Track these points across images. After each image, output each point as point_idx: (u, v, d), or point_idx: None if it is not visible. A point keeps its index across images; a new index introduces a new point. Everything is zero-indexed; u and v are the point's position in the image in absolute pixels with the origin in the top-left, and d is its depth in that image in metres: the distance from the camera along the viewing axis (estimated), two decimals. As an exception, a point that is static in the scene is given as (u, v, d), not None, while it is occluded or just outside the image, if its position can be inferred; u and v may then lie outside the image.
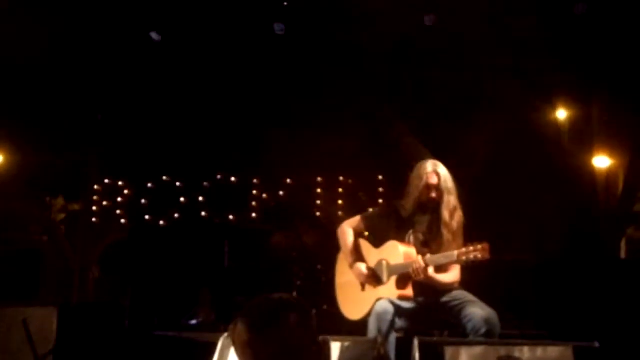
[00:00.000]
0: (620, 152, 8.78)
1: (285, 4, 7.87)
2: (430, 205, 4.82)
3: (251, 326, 2.08)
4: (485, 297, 4.77)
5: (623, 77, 8.26)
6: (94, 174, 9.48)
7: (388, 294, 4.71)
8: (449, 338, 4.62)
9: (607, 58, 8.06)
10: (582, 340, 4.20)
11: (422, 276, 4.60)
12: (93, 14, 7.94)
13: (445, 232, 4.77)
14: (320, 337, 2.19)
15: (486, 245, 4.39)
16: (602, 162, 8.86)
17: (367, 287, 4.93)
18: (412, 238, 4.85)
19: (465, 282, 4.91)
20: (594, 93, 8.73)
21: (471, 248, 4.45)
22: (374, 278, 4.89)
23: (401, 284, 4.73)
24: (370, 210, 5.29)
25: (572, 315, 6.50)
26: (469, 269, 4.83)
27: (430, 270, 4.65)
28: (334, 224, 5.42)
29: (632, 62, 8.05)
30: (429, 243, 4.80)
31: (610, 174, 8.81)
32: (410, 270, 4.61)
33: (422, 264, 4.57)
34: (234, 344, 2.14)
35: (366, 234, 5.18)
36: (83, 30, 8.22)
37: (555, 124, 9.04)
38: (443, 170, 4.91)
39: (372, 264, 4.95)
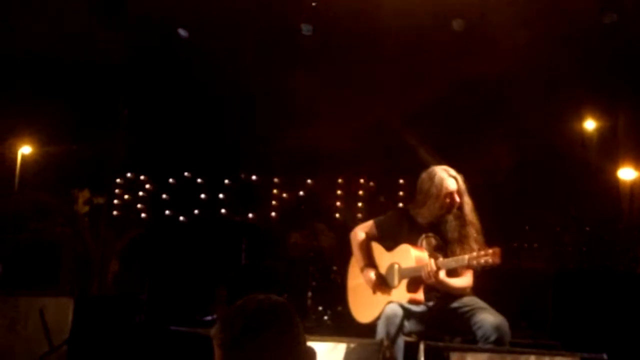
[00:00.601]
0: (647, 165, 8.70)
1: (314, 4, 7.87)
2: (453, 213, 4.80)
3: (230, 332, 1.99)
4: (500, 304, 4.74)
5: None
6: (117, 168, 9.56)
7: (399, 298, 4.69)
8: (455, 344, 4.58)
9: (634, 69, 7.97)
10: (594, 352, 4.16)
11: (433, 279, 4.58)
12: (124, 7, 8.01)
13: (471, 231, 4.75)
14: (308, 345, 2.09)
15: (497, 250, 4.35)
16: (627, 174, 8.77)
17: (378, 290, 4.91)
18: (424, 242, 4.83)
19: (482, 289, 4.88)
20: (620, 105, 8.64)
21: (482, 253, 4.41)
22: (384, 282, 4.87)
23: (412, 287, 4.70)
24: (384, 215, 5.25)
25: (587, 327, 6.43)
26: (485, 275, 4.81)
27: (442, 274, 4.62)
28: (353, 226, 5.40)
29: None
30: (446, 248, 4.77)
31: (635, 187, 8.72)
32: (422, 273, 4.58)
33: (434, 267, 4.55)
34: (213, 345, 2.04)
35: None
36: (111, 24, 8.28)
37: (582, 135, 8.97)
38: (455, 172, 4.90)
39: (384, 267, 4.93)
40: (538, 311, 6.57)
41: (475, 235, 4.71)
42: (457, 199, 4.80)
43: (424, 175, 4.94)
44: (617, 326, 6.30)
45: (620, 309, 6.52)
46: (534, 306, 6.65)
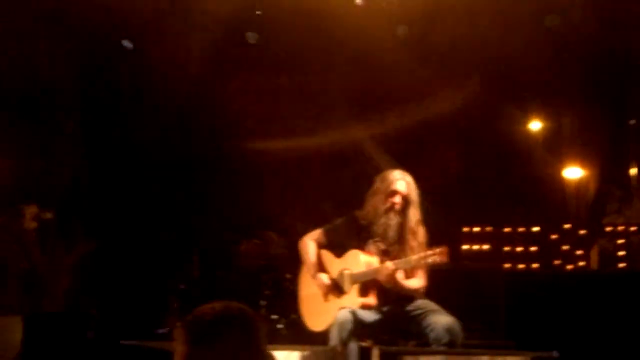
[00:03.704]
0: (592, 164, 8.83)
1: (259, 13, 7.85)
2: (394, 212, 4.81)
3: (189, 338, 2.00)
4: (453, 306, 4.77)
5: (595, 89, 8.31)
6: (64, 181, 9.40)
7: (350, 303, 4.69)
8: (408, 347, 4.60)
9: (579, 69, 8.10)
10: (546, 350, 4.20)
11: (392, 282, 4.59)
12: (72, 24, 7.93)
13: (410, 238, 4.78)
14: (268, 352, 2.11)
15: (444, 249, 4.40)
16: (573, 173, 8.91)
17: (330, 297, 4.91)
18: (372, 247, 4.84)
19: (434, 291, 4.91)
20: (566, 104, 8.77)
21: (430, 252, 4.46)
22: (335, 288, 4.88)
23: (363, 292, 4.72)
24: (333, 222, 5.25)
25: (540, 327, 6.50)
26: (437, 277, 4.85)
27: (400, 276, 4.64)
28: (302, 233, 5.40)
29: (604, 74, 8.10)
30: (390, 251, 4.79)
31: (580, 185, 8.86)
32: (381, 276, 4.59)
33: (392, 267, 4.55)
34: (174, 352, 2.04)
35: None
36: (54, 36, 8.19)
37: (528, 135, 9.08)
38: (411, 180, 4.92)
39: (334, 274, 4.94)
40: (492, 312, 6.63)
41: (413, 244, 4.72)
42: (400, 201, 4.81)
43: (379, 175, 4.97)
44: (570, 325, 6.40)
45: (572, 306, 6.62)
46: (488, 307, 6.71)
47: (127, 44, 8.20)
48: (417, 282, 4.78)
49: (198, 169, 9.07)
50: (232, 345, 2.00)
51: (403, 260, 4.62)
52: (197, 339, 1.99)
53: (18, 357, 6.29)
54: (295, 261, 5.49)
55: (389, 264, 4.57)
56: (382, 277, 4.59)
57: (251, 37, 7.98)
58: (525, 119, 9.05)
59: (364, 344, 4.60)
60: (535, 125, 9.11)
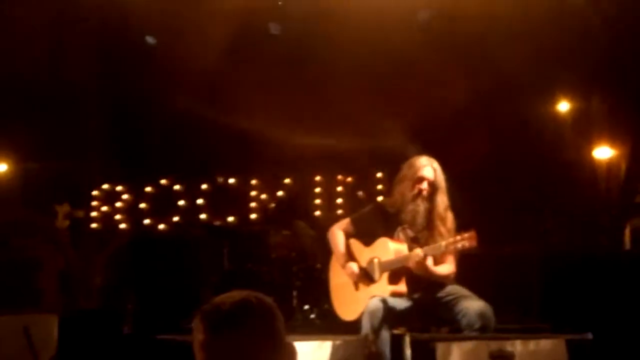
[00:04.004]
0: (622, 143, 8.72)
1: (280, 3, 7.85)
2: (422, 198, 4.80)
3: (208, 327, 1.99)
4: (487, 290, 4.75)
5: (623, 69, 8.20)
6: (94, 179, 9.51)
7: (381, 292, 4.69)
8: (440, 334, 4.59)
9: (608, 49, 8.00)
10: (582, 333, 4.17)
11: (422, 269, 4.57)
12: (89, 18, 7.98)
13: (439, 224, 4.76)
14: (287, 342, 2.09)
15: (473, 234, 4.37)
16: (603, 153, 8.81)
17: (361, 286, 4.91)
18: (401, 235, 4.83)
19: (468, 275, 4.89)
20: (594, 84, 8.66)
21: (458, 237, 4.44)
22: (365, 276, 4.87)
23: (394, 280, 4.71)
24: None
25: (575, 308, 6.45)
26: (470, 262, 4.83)
27: (430, 262, 4.61)
28: (333, 223, 5.40)
29: (632, 53, 7.99)
30: (419, 238, 4.77)
31: (611, 165, 8.75)
32: (411, 263, 4.57)
33: (422, 254, 4.54)
34: (193, 341, 2.04)
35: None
36: (78, 35, 8.25)
37: (556, 116, 8.99)
38: (438, 166, 4.90)
39: (364, 262, 4.93)
40: (526, 295, 6.59)
41: (442, 230, 4.70)
42: (427, 187, 4.80)
43: (405, 163, 4.96)
44: (604, 305, 6.34)
45: (606, 287, 6.56)
46: (521, 290, 6.67)
47: (150, 40, 8.24)
48: (447, 268, 4.75)
49: (222, 162, 9.12)
50: (251, 334, 1.99)
51: (432, 246, 4.60)
52: (215, 328, 1.98)
53: (55, 355, 6.36)
54: (325, 251, 5.49)
55: (419, 251, 4.55)
56: (412, 265, 4.58)
57: (273, 28, 7.98)
58: (554, 100, 8.95)
59: (396, 331, 4.60)
60: (563, 106, 9.00)
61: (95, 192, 9.44)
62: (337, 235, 5.12)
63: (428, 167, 4.85)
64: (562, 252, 7.93)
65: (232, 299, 2.04)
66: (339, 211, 8.56)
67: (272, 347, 2.03)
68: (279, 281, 7.06)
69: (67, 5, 7.72)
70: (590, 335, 4.03)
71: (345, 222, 5.17)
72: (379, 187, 8.61)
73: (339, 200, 8.83)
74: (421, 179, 4.82)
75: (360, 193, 7.35)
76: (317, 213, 8.82)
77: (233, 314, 2.00)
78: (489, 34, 7.76)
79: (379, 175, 8.72)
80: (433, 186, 4.83)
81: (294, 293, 6.86)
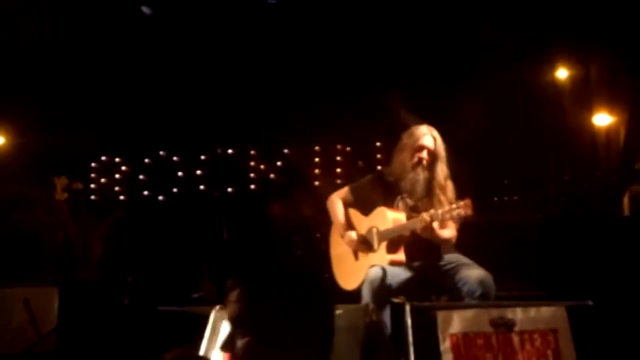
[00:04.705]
0: (621, 109, 8.70)
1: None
2: (421, 166, 4.78)
3: None
4: (485, 258, 4.75)
5: (621, 34, 8.15)
6: (92, 151, 9.49)
7: (380, 261, 4.69)
8: (441, 302, 4.60)
9: (605, 15, 7.95)
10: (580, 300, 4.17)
11: (429, 232, 4.56)
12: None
13: (439, 193, 4.75)
14: None
15: (468, 202, 4.35)
16: (602, 119, 8.79)
17: (360, 255, 4.91)
18: (400, 204, 4.82)
19: (465, 243, 4.89)
20: (592, 51, 8.62)
21: (454, 205, 4.42)
22: (365, 244, 4.87)
23: (392, 249, 4.71)
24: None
25: (574, 275, 6.46)
26: (468, 230, 4.82)
27: (435, 225, 4.60)
28: (332, 192, 5.39)
29: (630, 19, 7.94)
30: (418, 207, 4.76)
31: (610, 132, 8.74)
32: (418, 227, 4.56)
33: (429, 219, 4.52)
34: None
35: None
36: (73, 7, 8.18)
37: (555, 83, 8.95)
38: (437, 135, 4.89)
39: (363, 231, 4.92)
40: (524, 263, 6.60)
41: (442, 199, 4.69)
42: (426, 156, 4.78)
43: (405, 132, 4.94)
44: (603, 272, 6.34)
45: (605, 254, 6.56)
46: (519, 258, 6.67)
47: (146, 10, 8.17)
48: (449, 232, 4.75)
49: (221, 132, 9.10)
50: None
51: (430, 212, 4.59)
52: None
53: (56, 327, 6.39)
54: (325, 221, 5.49)
55: (425, 215, 4.53)
56: (419, 228, 4.56)
57: None
58: (552, 66, 8.91)
59: (395, 300, 4.61)
60: (562, 73, 8.96)
61: (93, 164, 9.43)
62: (336, 204, 5.11)
63: (428, 136, 4.84)
64: (560, 220, 7.94)
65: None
66: (338, 181, 8.56)
67: None
68: (279, 251, 7.07)
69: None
70: (590, 302, 4.03)
71: (344, 191, 5.16)
72: (378, 156, 8.60)
73: (338, 170, 8.82)
74: (421, 148, 4.81)
75: (359, 162, 7.37)
76: (316, 183, 8.82)
77: None
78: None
79: (378, 144, 8.70)
80: (433, 155, 4.81)
81: (295, 263, 6.88)
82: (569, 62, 8.88)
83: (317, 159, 8.94)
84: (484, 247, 5.63)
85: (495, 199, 8.10)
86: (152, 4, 8.16)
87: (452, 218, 4.49)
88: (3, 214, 8.71)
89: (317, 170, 8.88)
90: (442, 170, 4.81)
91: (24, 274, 7.75)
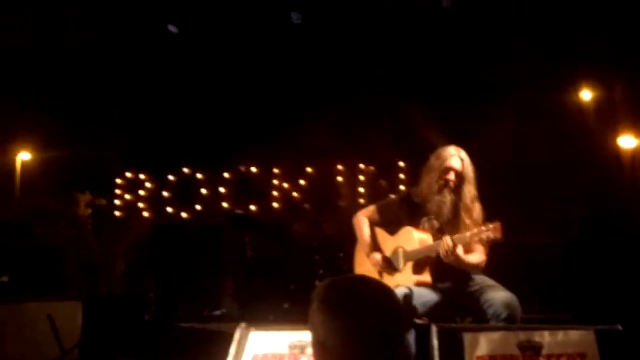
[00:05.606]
0: (647, 132, 8.66)
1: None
2: (449, 189, 4.75)
3: None
4: (510, 280, 4.70)
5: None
6: (117, 168, 9.56)
7: (405, 281, 4.66)
8: (468, 324, 4.55)
9: (630, 37, 7.92)
10: (607, 324, 4.12)
11: (452, 257, 4.51)
12: (112, 9, 7.99)
13: (465, 216, 4.70)
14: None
15: (498, 225, 4.31)
16: (627, 142, 8.74)
17: (385, 275, 4.88)
18: (427, 225, 4.79)
19: (491, 266, 4.84)
20: (617, 73, 8.58)
21: (483, 228, 4.37)
22: (389, 266, 4.84)
23: (418, 269, 4.68)
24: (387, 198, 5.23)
25: (599, 298, 6.40)
26: (493, 252, 4.78)
27: (460, 251, 4.56)
28: (355, 212, 5.37)
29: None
30: (444, 229, 4.72)
31: (636, 154, 8.69)
32: (441, 251, 4.52)
33: (451, 244, 4.48)
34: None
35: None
36: (102, 26, 8.26)
37: (580, 105, 8.92)
38: (466, 157, 4.83)
39: (388, 251, 4.90)
40: (549, 285, 6.54)
41: (468, 222, 4.64)
42: (454, 178, 4.74)
43: (433, 153, 4.90)
44: (629, 295, 6.28)
45: (632, 276, 6.50)
46: (545, 280, 6.62)
47: (173, 29, 8.25)
48: (477, 257, 4.69)
49: (247, 151, 9.13)
50: None
51: (457, 236, 4.56)
52: None
53: (79, 341, 6.42)
54: (347, 240, 5.47)
55: (448, 240, 4.50)
56: (442, 252, 4.52)
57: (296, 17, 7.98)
58: (576, 88, 8.89)
59: (420, 321, 4.57)
60: (586, 94, 8.94)
61: (118, 181, 9.49)
62: (363, 223, 5.08)
63: (455, 157, 4.79)
64: (585, 242, 7.88)
65: None
66: (361, 200, 8.55)
67: None
68: (301, 270, 7.06)
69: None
70: (620, 327, 3.98)
71: (371, 210, 5.12)
72: (401, 176, 8.58)
73: (361, 189, 8.82)
74: (448, 170, 4.76)
75: (382, 182, 7.35)
76: (340, 202, 8.82)
77: None
78: (513, 23, 7.72)
79: (401, 164, 8.69)
80: (460, 177, 4.77)
81: (317, 282, 6.85)
82: (594, 84, 8.85)
83: (340, 178, 8.93)
84: (509, 268, 5.58)
85: (520, 220, 8.05)
86: (179, 23, 8.22)
87: (480, 241, 4.45)
88: (28, 228, 8.77)
89: (340, 190, 8.88)
90: (469, 192, 4.76)
91: (48, 289, 7.79)
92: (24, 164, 10.33)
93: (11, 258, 7.98)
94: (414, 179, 5.09)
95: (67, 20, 8.08)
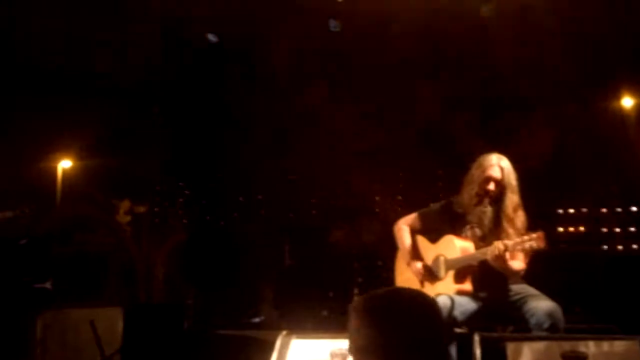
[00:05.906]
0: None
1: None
2: (489, 198, 4.71)
3: None
4: (552, 289, 4.66)
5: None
6: (156, 175, 9.64)
7: (446, 289, 4.63)
8: (511, 334, 4.52)
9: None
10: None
11: (500, 262, 4.48)
12: (150, 17, 8.07)
13: (507, 226, 4.65)
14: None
15: (541, 234, 4.27)
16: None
17: (426, 284, 4.86)
18: (469, 233, 4.76)
19: (533, 275, 4.80)
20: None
21: (526, 237, 4.34)
22: (430, 274, 4.82)
23: (459, 278, 4.65)
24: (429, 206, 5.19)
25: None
26: (535, 261, 4.73)
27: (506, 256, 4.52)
28: (393, 220, 5.35)
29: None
30: (486, 237, 4.69)
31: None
32: (490, 256, 4.47)
33: (502, 248, 4.44)
34: None
35: None
36: (140, 34, 8.35)
37: (621, 112, 8.82)
38: (507, 164, 4.77)
39: (429, 259, 4.88)
40: (590, 295, 6.46)
41: (510, 231, 4.59)
42: (493, 188, 4.69)
43: (474, 162, 4.87)
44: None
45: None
46: (588, 290, 6.54)
47: (212, 37, 8.31)
48: (518, 264, 4.66)
49: (285, 158, 9.15)
50: None
51: (507, 242, 4.51)
52: None
53: (120, 347, 6.46)
54: (386, 249, 5.46)
55: (500, 244, 4.45)
56: (490, 257, 4.47)
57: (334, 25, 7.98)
58: (618, 95, 8.79)
59: (461, 330, 4.54)
60: (627, 101, 8.83)
61: (157, 188, 9.57)
62: (404, 231, 5.06)
63: (495, 167, 4.74)
64: (628, 253, 7.78)
65: None
66: (399, 208, 8.52)
67: None
68: (340, 278, 7.05)
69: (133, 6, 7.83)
70: (665, 337, 3.92)
71: (412, 217, 5.10)
72: (440, 184, 8.55)
73: (399, 197, 8.79)
74: (488, 180, 4.71)
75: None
76: (377, 210, 8.80)
77: None
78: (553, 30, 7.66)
79: (440, 172, 8.66)
80: (501, 186, 4.72)
81: (355, 290, 6.85)
82: (636, 91, 8.75)
83: (377, 186, 8.92)
84: (550, 277, 5.53)
85: (562, 229, 7.98)
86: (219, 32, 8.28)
87: (523, 250, 4.41)
88: (68, 235, 8.88)
89: (377, 198, 8.86)
90: (511, 201, 4.70)
91: (90, 295, 7.87)
92: (64, 172, 10.47)
93: (53, 265, 8.08)
94: (452, 187, 5.06)
95: (109, 33, 8.19)
